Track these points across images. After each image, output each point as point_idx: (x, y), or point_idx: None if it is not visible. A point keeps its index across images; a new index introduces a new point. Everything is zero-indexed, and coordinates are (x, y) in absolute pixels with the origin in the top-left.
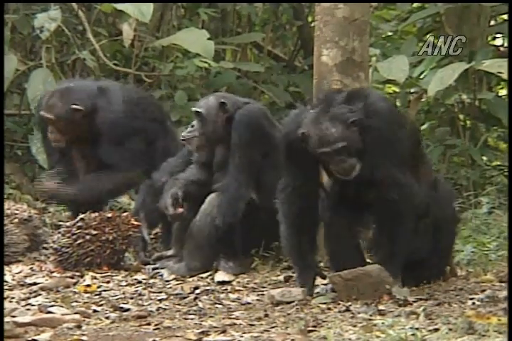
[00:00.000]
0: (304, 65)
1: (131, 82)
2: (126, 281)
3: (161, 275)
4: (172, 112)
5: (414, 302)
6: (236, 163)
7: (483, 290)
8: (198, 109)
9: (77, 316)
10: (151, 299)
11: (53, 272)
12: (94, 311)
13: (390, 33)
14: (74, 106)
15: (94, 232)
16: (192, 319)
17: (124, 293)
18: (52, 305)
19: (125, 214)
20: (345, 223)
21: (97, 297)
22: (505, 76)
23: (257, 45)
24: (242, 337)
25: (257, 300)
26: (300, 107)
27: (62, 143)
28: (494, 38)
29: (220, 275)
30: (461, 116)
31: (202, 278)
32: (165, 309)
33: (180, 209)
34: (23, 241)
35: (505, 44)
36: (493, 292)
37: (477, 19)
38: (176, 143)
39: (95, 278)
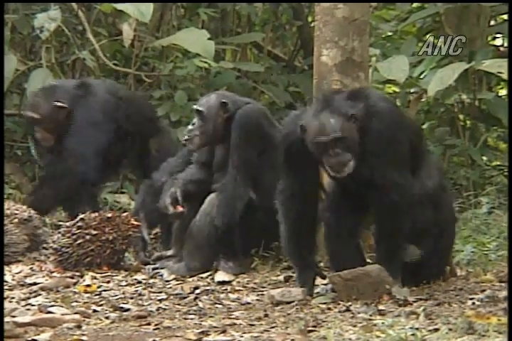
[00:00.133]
0: (303, 65)
1: (131, 82)
2: (126, 281)
3: (161, 276)
4: (172, 112)
5: (414, 302)
6: (235, 162)
7: (483, 290)
8: (199, 108)
9: (77, 316)
10: (151, 299)
11: (53, 272)
12: (94, 311)
13: (389, 33)
14: (57, 104)
15: (94, 232)
16: (192, 319)
17: (124, 293)
18: (52, 305)
19: (125, 214)
20: (345, 223)
21: (97, 297)
22: (505, 76)
23: (257, 45)
24: (242, 337)
25: (257, 300)
26: (300, 108)
27: (50, 142)
28: (494, 38)
29: (220, 276)
30: (461, 116)
31: (202, 278)
32: (165, 309)
33: (180, 208)
34: (23, 241)
35: (505, 44)
36: (493, 292)
37: (477, 19)
38: (170, 141)
39: (95, 278)
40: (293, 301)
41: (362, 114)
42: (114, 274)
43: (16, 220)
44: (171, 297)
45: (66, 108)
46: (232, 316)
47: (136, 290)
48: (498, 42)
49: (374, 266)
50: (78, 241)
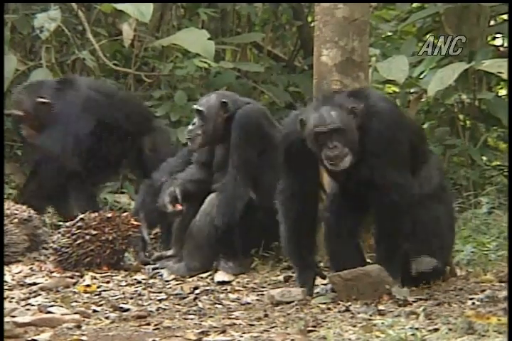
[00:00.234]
0: (303, 64)
1: (131, 81)
2: (126, 281)
3: (161, 276)
4: (172, 112)
5: (414, 302)
6: (235, 162)
7: (483, 290)
8: (199, 108)
9: (76, 316)
10: (150, 299)
11: (53, 272)
12: (94, 311)
13: (389, 33)
14: (40, 100)
15: (94, 232)
16: (192, 319)
17: (123, 293)
18: (52, 305)
19: (125, 214)
20: (345, 223)
21: (97, 297)
22: (505, 76)
23: (257, 45)
24: (241, 337)
25: (257, 300)
26: (300, 108)
27: (36, 139)
28: (494, 38)
29: (220, 276)
30: (461, 116)
31: (202, 278)
32: (165, 309)
33: (179, 207)
34: (23, 241)
35: (505, 44)
36: (493, 292)
37: (477, 19)
38: (165, 141)
39: (95, 278)
40: (293, 301)
41: (362, 113)
42: (113, 274)
43: (16, 220)
44: (171, 297)
45: (49, 104)
46: (232, 316)
47: (136, 290)
48: (498, 42)
49: (374, 266)
50: (78, 241)
